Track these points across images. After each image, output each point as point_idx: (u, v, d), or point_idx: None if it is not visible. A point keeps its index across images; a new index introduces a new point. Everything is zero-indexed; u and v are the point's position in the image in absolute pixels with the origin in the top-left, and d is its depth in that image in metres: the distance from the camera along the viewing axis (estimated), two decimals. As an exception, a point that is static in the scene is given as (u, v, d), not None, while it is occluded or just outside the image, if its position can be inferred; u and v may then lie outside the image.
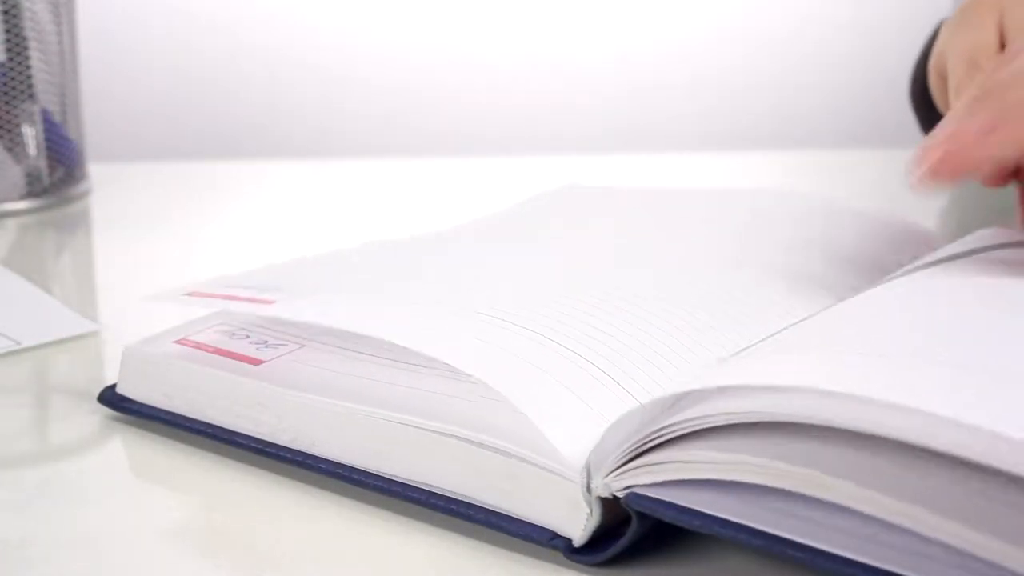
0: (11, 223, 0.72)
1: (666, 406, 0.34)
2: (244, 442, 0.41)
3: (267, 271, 0.47)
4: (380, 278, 0.46)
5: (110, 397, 0.45)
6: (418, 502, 0.38)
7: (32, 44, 0.72)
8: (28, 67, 0.72)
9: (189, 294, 0.44)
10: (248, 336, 0.44)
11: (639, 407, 0.35)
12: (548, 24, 1.08)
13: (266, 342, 0.44)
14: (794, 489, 0.32)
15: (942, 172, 0.41)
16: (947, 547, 0.30)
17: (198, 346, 0.44)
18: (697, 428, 0.33)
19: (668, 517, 0.33)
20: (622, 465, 0.34)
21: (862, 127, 1.14)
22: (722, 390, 0.33)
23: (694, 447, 0.33)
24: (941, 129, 0.42)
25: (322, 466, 0.39)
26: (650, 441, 0.34)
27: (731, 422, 0.32)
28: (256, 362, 0.42)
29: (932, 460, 0.30)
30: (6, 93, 0.71)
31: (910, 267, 0.47)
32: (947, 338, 0.35)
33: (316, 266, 0.48)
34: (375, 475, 0.38)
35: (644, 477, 0.34)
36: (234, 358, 0.43)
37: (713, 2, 1.12)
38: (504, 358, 0.38)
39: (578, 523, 0.35)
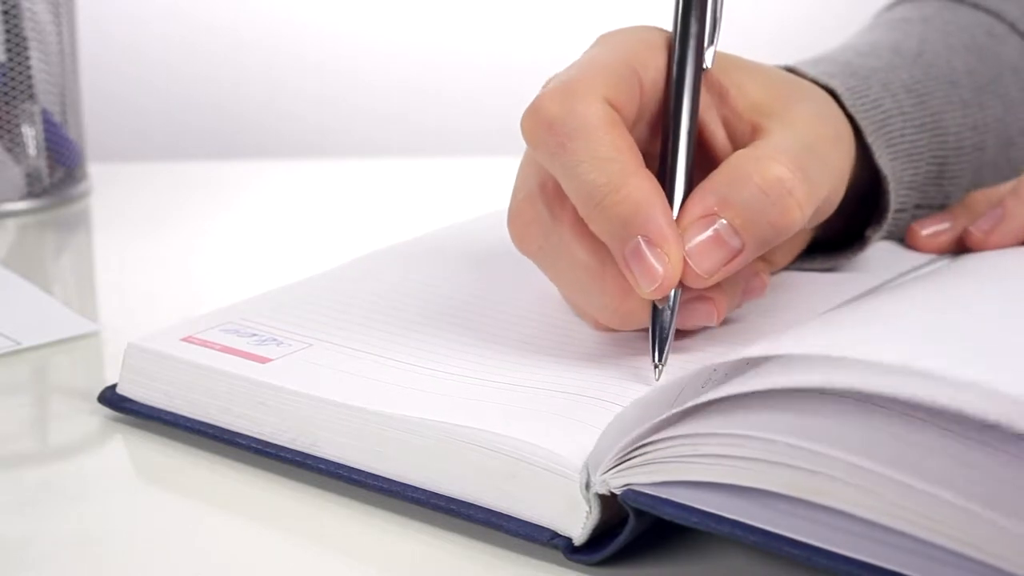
0: (11, 223, 0.72)
1: (668, 403, 0.34)
2: (244, 442, 0.41)
3: (266, 306, 0.47)
4: (383, 318, 0.46)
5: (110, 397, 0.45)
6: (418, 502, 0.38)
7: (32, 44, 0.72)
8: (28, 67, 0.72)
9: (185, 339, 0.44)
10: (255, 335, 0.44)
11: (635, 404, 0.35)
12: (551, 23, 1.08)
13: (275, 339, 0.44)
14: (792, 494, 0.32)
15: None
16: (945, 548, 0.30)
17: (205, 344, 0.44)
18: (702, 431, 0.33)
19: (665, 514, 0.33)
20: (621, 462, 0.34)
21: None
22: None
23: (693, 445, 0.33)
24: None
25: (322, 466, 0.39)
26: (650, 438, 0.34)
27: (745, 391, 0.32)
28: (264, 360, 0.42)
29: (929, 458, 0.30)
30: (6, 93, 0.71)
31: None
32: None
33: (316, 301, 0.48)
34: (375, 475, 0.39)
35: (642, 476, 0.34)
36: (242, 356, 0.43)
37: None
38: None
39: (578, 522, 0.35)
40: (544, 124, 0.40)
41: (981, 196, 0.54)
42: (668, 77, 0.43)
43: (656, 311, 0.41)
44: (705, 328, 0.44)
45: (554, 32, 1.05)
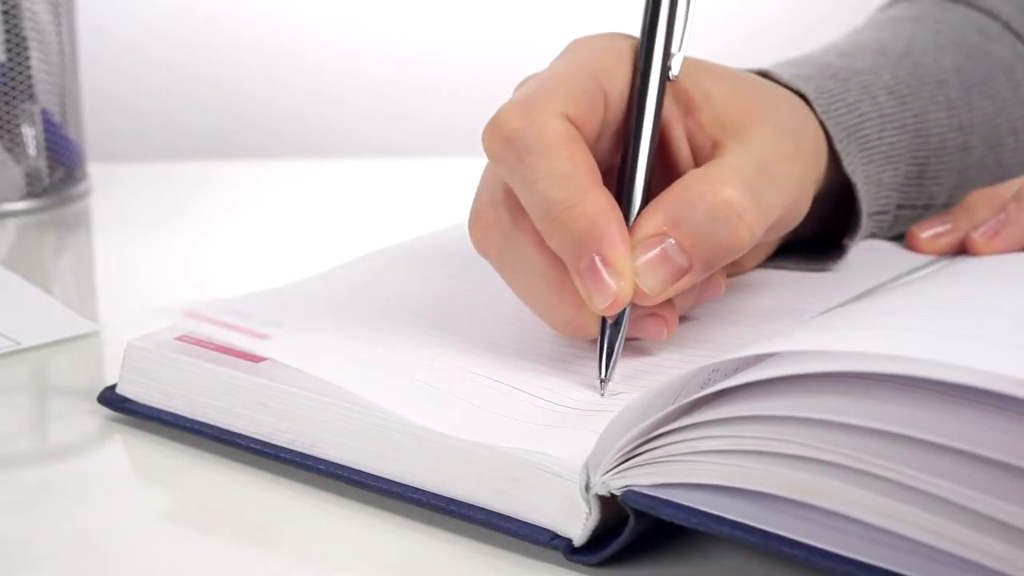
0: (11, 223, 0.72)
1: (667, 403, 0.34)
2: (244, 442, 0.41)
3: (270, 296, 0.47)
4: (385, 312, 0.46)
5: (110, 397, 0.45)
6: (418, 503, 0.38)
7: (32, 44, 0.72)
8: (28, 67, 0.72)
9: (187, 314, 0.44)
10: (254, 315, 0.44)
11: (633, 405, 0.35)
12: (553, 22, 1.08)
13: (275, 322, 0.44)
14: (791, 496, 0.32)
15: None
16: (944, 551, 0.30)
17: (200, 343, 0.44)
18: (704, 419, 0.33)
19: (665, 515, 0.33)
20: (621, 463, 0.34)
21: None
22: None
23: (694, 440, 0.33)
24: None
25: (322, 467, 0.39)
26: (649, 435, 0.34)
27: (752, 379, 0.32)
28: (257, 359, 0.42)
29: (928, 455, 0.30)
30: (6, 93, 0.71)
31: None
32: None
33: (315, 295, 0.48)
34: (375, 476, 0.39)
35: (641, 477, 0.34)
36: (241, 331, 0.43)
37: None
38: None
39: (577, 523, 0.35)
40: (503, 139, 0.41)
41: (981, 197, 0.54)
42: (632, 87, 0.43)
43: (605, 326, 0.41)
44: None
45: (557, 31, 1.05)
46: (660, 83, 0.43)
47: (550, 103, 0.41)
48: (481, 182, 0.44)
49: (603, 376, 0.41)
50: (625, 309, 0.41)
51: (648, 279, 0.40)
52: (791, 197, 0.44)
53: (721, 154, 0.43)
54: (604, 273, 0.40)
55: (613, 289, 0.40)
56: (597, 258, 0.40)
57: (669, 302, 0.42)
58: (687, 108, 0.44)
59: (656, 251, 0.40)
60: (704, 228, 0.40)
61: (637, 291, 0.40)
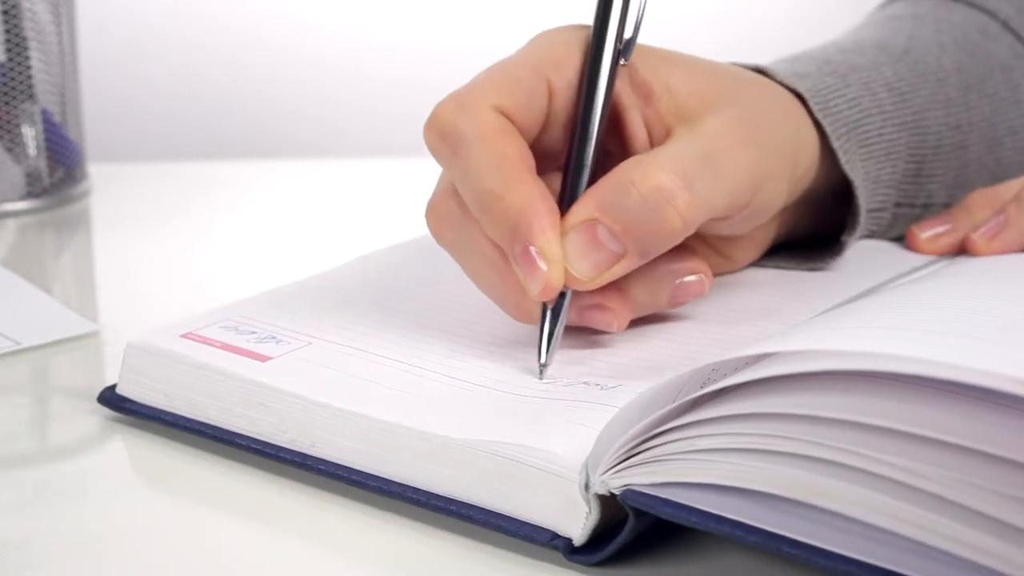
0: (11, 223, 0.72)
1: (666, 402, 0.34)
2: (244, 442, 0.41)
3: (265, 304, 0.47)
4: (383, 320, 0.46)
5: (110, 397, 0.45)
6: (418, 503, 0.38)
7: (32, 44, 0.72)
8: (28, 67, 0.72)
9: (184, 335, 0.44)
10: (254, 332, 0.44)
11: (632, 403, 0.35)
12: (555, 22, 1.08)
13: (274, 337, 0.44)
14: (791, 496, 0.32)
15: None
16: (944, 551, 0.30)
17: (204, 340, 0.44)
18: (703, 417, 0.33)
19: (664, 514, 0.33)
20: (620, 462, 0.34)
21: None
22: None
23: (694, 439, 0.33)
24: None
25: (322, 467, 0.39)
26: (648, 434, 0.34)
27: (747, 379, 0.32)
28: (263, 358, 0.42)
29: (927, 452, 0.30)
30: (6, 93, 0.71)
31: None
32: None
33: (315, 300, 0.48)
34: (375, 476, 0.39)
35: (641, 476, 0.34)
36: (240, 353, 0.43)
37: None
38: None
39: (577, 522, 0.35)
40: (438, 133, 0.42)
41: (981, 197, 0.54)
42: (582, 75, 0.43)
43: (546, 311, 0.42)
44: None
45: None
46: (611, 69, 0.43)
47: (482, 97, 0.42)
48: (440, 175, 0.45)
49: (541, 360, 0.41)
50: (564, 296, 0.41)
51: (578, 264, 0.41)
52: (740, 186, 0.43)
53: (666, 142, 0.43)
54: (536, 259, 0.40)
55: (544, 274, 0.40)
56: (530, 245, 0.40)
57: (619, 293, 0.43)
58: (646, 97, 0.44)
59: (586, 236, 0.41)
60: (634, 213, 0.41)
61: (571, 276, 0.41)
